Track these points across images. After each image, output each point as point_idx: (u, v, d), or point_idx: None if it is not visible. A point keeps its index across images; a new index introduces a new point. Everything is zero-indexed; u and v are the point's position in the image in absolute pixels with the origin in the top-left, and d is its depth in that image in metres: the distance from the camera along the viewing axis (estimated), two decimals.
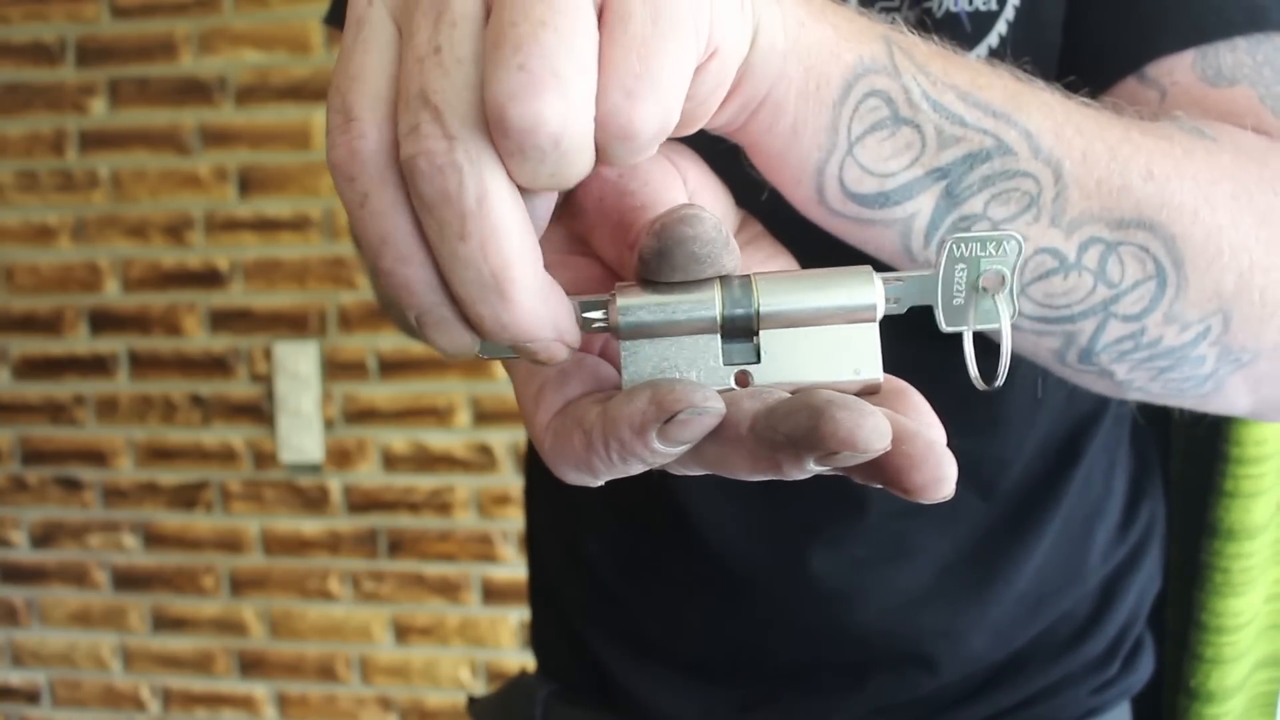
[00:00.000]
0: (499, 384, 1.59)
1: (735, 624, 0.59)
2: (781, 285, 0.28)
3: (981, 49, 0.48)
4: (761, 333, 0.28)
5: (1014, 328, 0.41)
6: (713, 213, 0.28)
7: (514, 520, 1.60)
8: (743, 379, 0.28)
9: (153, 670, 1.73)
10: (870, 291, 0.28)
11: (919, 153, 0.36)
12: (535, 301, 0.25)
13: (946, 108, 0.36)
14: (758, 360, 0.28)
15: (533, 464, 0.72)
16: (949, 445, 0.56)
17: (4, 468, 1.74)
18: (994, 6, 0.47)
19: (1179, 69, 0.45)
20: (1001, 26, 0.47)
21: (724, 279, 0.28)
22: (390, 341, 1.60)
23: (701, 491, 0.58)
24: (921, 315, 0.44)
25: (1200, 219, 0.39)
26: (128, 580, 1.72)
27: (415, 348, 1.58)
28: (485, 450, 1.61)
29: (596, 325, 0.28)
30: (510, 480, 1.60)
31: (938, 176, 0.36)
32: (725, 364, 0.28)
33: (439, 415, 1.61)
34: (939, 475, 0.25)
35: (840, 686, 0.58)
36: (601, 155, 0.25)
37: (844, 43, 0.34)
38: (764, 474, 0.26)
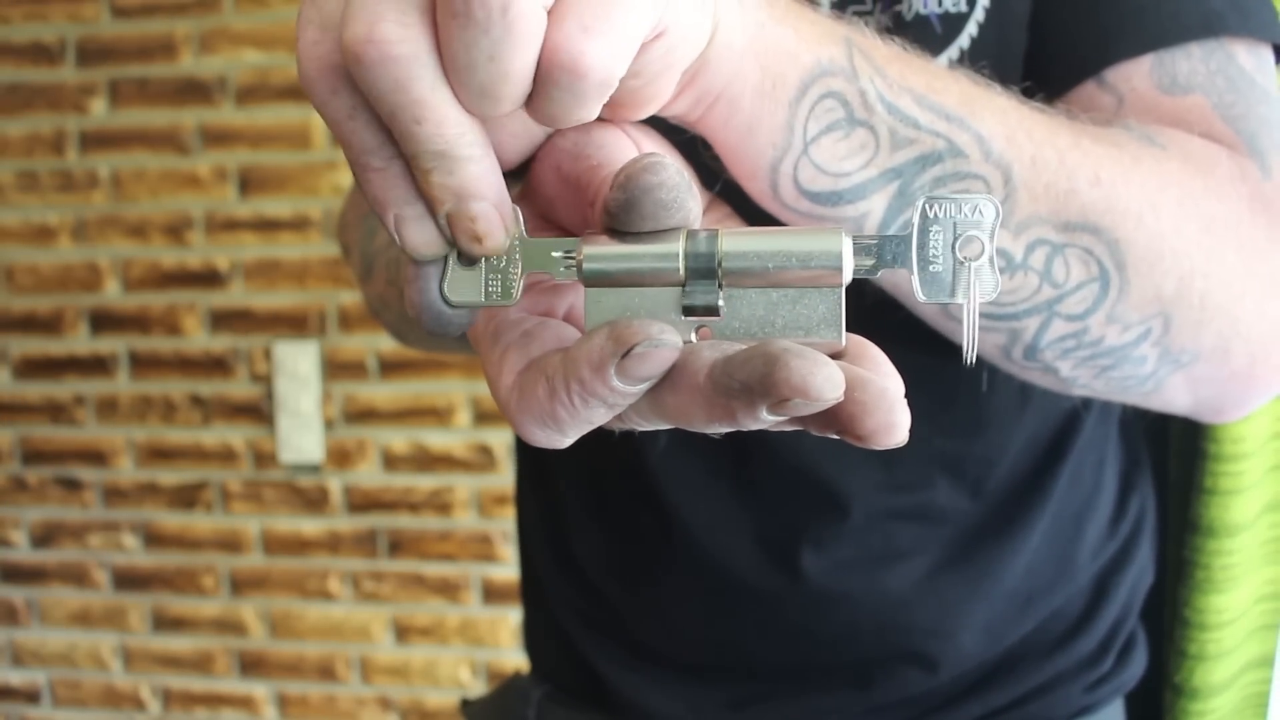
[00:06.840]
0: None
1: (725, 624, 0.59)
2: (747, 239, 0.27)
3: (952, 50, 0.48)
4: (725, 289, 0.28)
5: (957, 322, 0.42)
6: (674, 159, 0.28)
7: (514, 520, 1.60)
8: (703, 333, 0.28)
9: (153, 670, 1.73)
10: (838, 249, 0.27)
11: (873, 154, 0.37)
12: (482, 164, 0.27)
13: (901, 110, 0.36)
14: (719, 315, 0.28)
15: (523, 464, 0.72)
16: (934, 445, 0.56)
17: (4, 468, 1.74)
18: (964, 8, 0.48)
19: (1136, 76, 0.46)
20: (972, 28, 0.48)
21: (690, 231, 0.28)
22: (390, 342, 1.60)
23: (690, 492, 0.58)
24: (907, 315, 0.44)
25: (1144, 224, 0.40)
26: (128, 580, 1.72)
27: None
28: (485, 450, 1.61)
29: (567, 268, 0.28)
30: (510, 480, 1.60)
31: (891, 177, 0.37)
32: (686, 316, 0.28)
33: (439, 415, 1.61)
34: (890, 421, 0.25)
35: (832, 686, 0.58)
36: (542, 91, 0.26)
37: (803, 44, 0.35)
38: (719, 424, 0.26)
